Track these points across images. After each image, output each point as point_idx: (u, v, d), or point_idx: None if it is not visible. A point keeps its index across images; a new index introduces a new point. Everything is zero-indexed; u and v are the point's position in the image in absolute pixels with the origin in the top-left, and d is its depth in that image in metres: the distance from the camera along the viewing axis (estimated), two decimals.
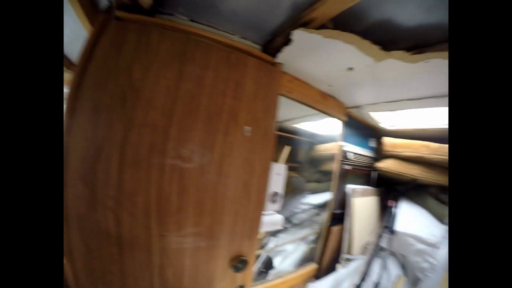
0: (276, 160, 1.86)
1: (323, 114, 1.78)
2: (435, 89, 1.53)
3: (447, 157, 2.20)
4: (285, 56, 1.19)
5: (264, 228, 1.36)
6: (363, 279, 1.69)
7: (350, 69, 1.30)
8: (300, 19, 0.98)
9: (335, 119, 1.92)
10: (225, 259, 1.09)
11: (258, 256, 1.96)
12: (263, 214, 1.16)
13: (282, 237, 2.11)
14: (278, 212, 1.40)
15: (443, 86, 1.47)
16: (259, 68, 1.10)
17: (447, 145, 2.23)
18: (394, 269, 2.01)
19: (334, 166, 1.99)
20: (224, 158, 0.97)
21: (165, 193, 0.94)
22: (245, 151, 1.03)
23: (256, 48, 1.16)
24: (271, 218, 1.36)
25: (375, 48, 1.10)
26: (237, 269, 1.13)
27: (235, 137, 1.00)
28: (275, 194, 1.25)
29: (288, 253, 2.05)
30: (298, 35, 1.03)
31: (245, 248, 1.13)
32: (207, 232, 1.00)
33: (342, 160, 2.01)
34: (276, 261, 1.99)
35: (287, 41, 1.08)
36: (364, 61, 1.18)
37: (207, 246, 1.02)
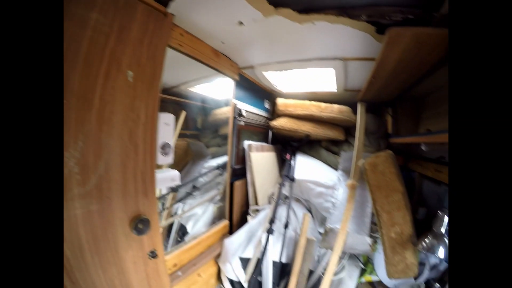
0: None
1: (216, 73, 1.79)
2: (322, 52, 1.68)
3: (334, 115, 2.50)
4: (177, 7, 1.13)
5: (161, 184, 1.32)
6: (272, 222, 1.82)
7: (241, 23, 1.32)
8: None
9: (229, 79, 1.95)
10: (123, 221, 1.01)
11: (171, 226, 1.94)
12: (156, 169, 1.12)
13: (190, 202, 2.12)
14: (171, 165, 1.38)
15: (329, 49, 1.63)
16: (148, 15, 1.01)
17: (334, 104, 2.53)
18: (300, 211, 2.25)
19: (229, 122, 2.05)
20: (105, 105, 0.87)
21: None
22: (128, 97, 0.94)
23: None
24: (167, 173, 1.32)
25: (264, 2, 1.13)
26: (139, 231, 1.06)
27: (117, 82, 0.90)
28: (166, 145, 1.20)
29: (199, 216, 2.07)
30: None
31: (143, 207, 1.06)
32: (96, 192, 0.90)
33: (235, 117, 2.08)
34: (189, 227, 2.00)
35: None
36: (253, 14, 1.21)
37: (100, 209, 0.92)
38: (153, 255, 1.17)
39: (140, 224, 1.06)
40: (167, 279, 1.30)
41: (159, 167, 1.35)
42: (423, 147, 1.73)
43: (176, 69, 1.67)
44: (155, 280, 1.21)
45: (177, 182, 1.37)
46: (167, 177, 1.32)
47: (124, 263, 1.04)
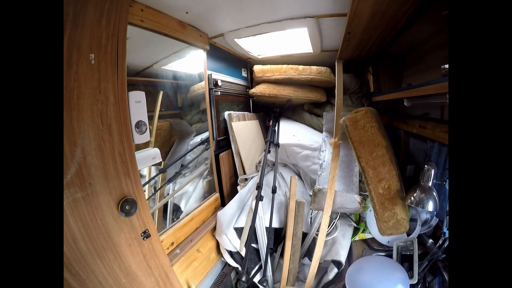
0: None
1: (186, 46, 1.73)
2: (293, 11, 1.63)
3: (313, 76, 2.48)
4: None
5: (143, 163, 1.30)
6: (260, 188, 1.84)
7: None
8: None
9: (200, 50, 1.90)
10: (110, 205, 0.99)
11: (166, 207, 1.93)
12: (134, 148, 1.10)
13: (180, 181, 2.12)
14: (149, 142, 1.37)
15: (300, 7, 1.58)
16: None
17: (312, 66, 2.49)
18: (288, 175, 2.28)
19: (205, 94, 2.02)
20: (71, 91, 0.84)
21: None
22: (94, 80, 0.90)
23: None
24: (147, 152, 1.31)
25: None
26: (127, 212, 1.06)
27: (80, 67, 0.86)
28: (140, 123, 1.17)
29: (190, 193, 2.08)
30: None
31: (127, 188, 1.05)
32: (77, 179, 0.89)
33: (211, 88, 2.05)
34: (182, 205, 2.01)
35: None
36: None
37: (84, 196, 0.91)
38: (146, 235, 1.17)
39: (126, 205, 1.05)
40: (166, 258, 1.30)
41: (140, 147, 1.33)
42: (405, 103, 1.73)
43: (145, 48, 1.61)
44: (154, 261, 1.21)
45: (158, 159, 1.36)
46: (147, 156, 1.30)
47: (119, 248, 1.03)
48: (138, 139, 1.17)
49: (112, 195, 1.01)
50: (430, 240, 1.73)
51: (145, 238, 1.16)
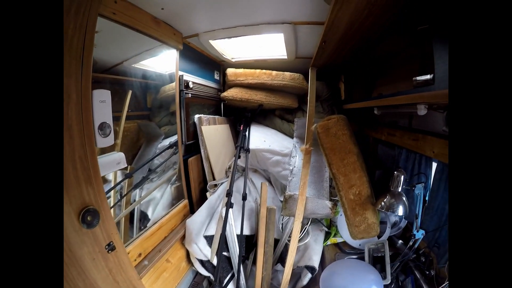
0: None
1: (159, 45, 1.65)
2: (270, 16, 1.61)
3: (286, 82, 2.48)
4: None
5: (106, 169, 1.20)
6: (230, 195, 1.79)
7: None
8: None
9: (173, 49, 1.82)
10: (70, 216, 0.88)
11: (131, 215, 1.81)
12: (100, 154, 1.01)
13: (147, 187, 2.00)
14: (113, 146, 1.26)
15: (278, 13, 1.56)
16: None
17: (286, 72, 2.49)
18: (259, 181, 2.24)
19: (176, 96, 1.95)
20: None
21: None
22: None
23: None
24: (111, 157, 1.21)
25: None
26: (89, 224, 0.95)
27: None
28: (104, 125, 1.07)
29: (158, 200, 1.98)
30: None
31: (89, 197, 0.95)
32: None
33: (182, 90, 1.97)
34: (150, 212, 1.90)
35: None
36: None
37: None
38: (111, 247, 1.08)
39: (88, 216, 0.95)
40: (133, 271, 1.22)
41: (103, 151, 1.23)
42: (376, 111, 1.77)
43: (115, 43, 1.51)
44: (120, 275, 1.14)
45: (123, 164, 1.26)
46: (111, 161, 1.21)
47: (82, 262, 0.94)
48: (102, 142, 1.07)
49: (72, 205, 0.90)
50: (400, 241, 1.79)
51: (110, 251, 1.07)
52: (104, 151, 1.26)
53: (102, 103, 1.05)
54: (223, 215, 1.72)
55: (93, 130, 1.00)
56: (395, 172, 1.54)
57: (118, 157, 1.24)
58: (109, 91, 1.09)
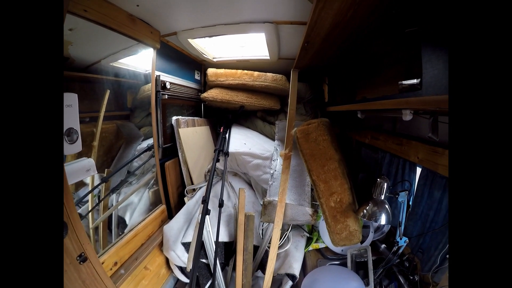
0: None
1: (136, 43, 1.58)
2: (252, 14, 1.56)
3: (268, 83, 2.44)
4: None
5: (75, 177, 1.13)
6: (206, 202, 1.72)
7: None
8: None
9: (150, 48, 1.75)
10: None
11: (109, 219, 1.76)
12: (67, 161, 0.94)
13: (124, 191, 1.92)
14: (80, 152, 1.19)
15: (259, 11, 1.52)
16: None
17: (268, 73, 2.46)
18: (238, 186, 2.19)
19: (152, 97, 1.88)
20: None
21: None
22: None
23: None
24: (79, 164, 1.14)
25: None
26: None
27: None
28: (71, 131, 1.00)
29: (135, 204, 1.90)
30: None
31: None
32: None
33: (158, 91, 1.90)
34: (127, 218, 1.82)
35: None
36: None
37: None
38: (82, 258, 1.04)
39: None
40: (109, 281, 1.19)
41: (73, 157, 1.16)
42: (359, 115, 1.74)
43: (91, 41, 1.44)
44: (95, 286, 1.11)
45: (93, 171, 1.20)
46: (79, 168, 1.14)
47: None
48: (69, 149, 1.01)
49: None
50: (383, 245, 1.78)
51: (81, 262, 1.03)
52: (74, 156, 1.19)
53: (68, 108, 0.99)
54: (200, 221, 1.67)
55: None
56: (378, 180, 1.49)
57: (88, 164, 1.17)
58: (76, 94, 1.02)
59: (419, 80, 0.96)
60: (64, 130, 0.98)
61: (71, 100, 1.00)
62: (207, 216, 1.68)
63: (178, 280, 1.82)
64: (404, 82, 1.06)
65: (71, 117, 1.00)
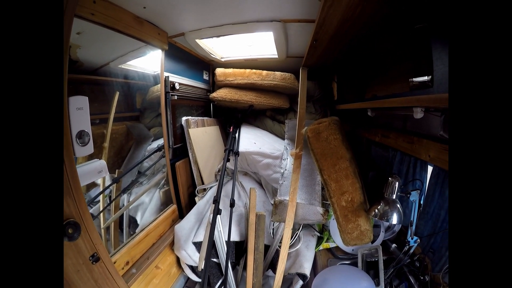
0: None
1: (144, 45, 1.59)
2: (259, 13, 1.56)
3: (276, 82, 2.42)
4: None
5: (87, 179, 1.14)
6: (217, 202, 1.73)
7: None
8: None
9: (158, 50, 1.77)
10: None
11: (120, 219, 1.77)
12: (79, 163, 0.96)
13: (135, 191, 1.94)
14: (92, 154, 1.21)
15: (267, 10, 1.51)
16: None
17: (276, 72, 2.44)
18: (249, 185, 2.19)
19: (161, 98, 1.89)
20: None
21: None
22: None
23: None
24: (91, 166, 1.15)
25: None
26: (70, 237, 0.91)
27: None
28: (82, 133, 1.01)
29: (146, 204, 1.92)
30: None
31: (69, 209, 0.90)
32: None
33: (167, 92, 1.91)
34: (138, 218, 1.85)
35: None
36: None
37: None
38: (95, 258, 1.05)
39: (69, 229, 0.91)
40: (121, 280, 1.20)
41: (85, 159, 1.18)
42: (369, 113, 1.71)
43: (100, 44, 1.44)
44: (107, 285, 1.12)
45: (105, 173, 1.21)
46: (91, 170, 1.15)
47: (66, 275, 0.92)
48: (80, 151, 1.02)
49: None
50: (394, 245, 1.74)
51: (94, 262, 1.04)
52: (86, 159, 1.20)
53: (79, 111, 1.00)
54: (211, 221, 1.68)
55: (70, 139, 0.95)
56: (389, 179, 1.47)
57: (100, 166, 1.18)
58: (87, 97, 1.04)
59: (430, 77, 0.94)
60: (76, 132, 0.99)
61: (82, 103, 1.01)
62: (218, 216, 1.69)
63: (188, 279, 1.83)
64: (415, 79, 1.03)
65: (82, 119, 1.02)
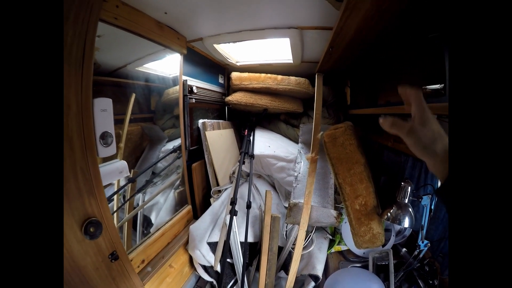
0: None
1: (163, 49, 1.64)
2: (277, 20, 1.58)
3: (291, 87, 2.44)
4: None
5: (109, 179, 1.18)
6: (234, 203, 1.77)
7: None
8: None
9: (177, 53, 1.81)
10: (73, 227, 0.87)
11: (135, 219, 1.81)
12: (101, 162, 0.99)
13: (150, 191, 1.99)
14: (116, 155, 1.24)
15: (284, 17, 1.53)
16: None
17: (291, 76, 2.46)
18: (263, 188, 2.21)
19: (179, 101, 1.93)
20: None
21: None
22: None
23: None
24: (112, 166, 1.18)
25: None
26: (92, 235, 0.94)
27: None
28: (106, 134, 1.04)
29: (161, 204, 1.97)
30: None
31: (91, 208, 0.93)
32: None
33: (186, 95, 1.95)
34: (153, 217, 1.89)
35: None
36: None
37: None
38: (114, 257, 1.07)
39: (91, 228, 0.94)
40: (136, 278, 1.22)
41: (106, 159, 1.21)
42: (381, 119, 1.71)
43: (118, 47, 1.49)
44: (124, 283, 1.14)
45: (126, 173, 1.24)
46: (113, 170, 1.18)
47: (85, 272, 0.94)
48: (103, 152, 1.05)
49: (74, 216, 0.89)
50: (404, 249, 1.76)
51: (113, 260, 1.07)
52: (105, 159, 1.24)
53: (103, 112, 1.03)
54: (227, 222, 1.71)
55: (94, 140, 0.98)
56: (402, 183, 1.49)
57: (121, 166, 1.21)
58: (111, 100, 1.07)
59: (442, 85, 0.95)
60: (100, 133, 1.02)
61: (105, 105, 1.05)
62: (234, 217, 1.72)
63: (199, 278, 1.86)
64: (428, 87, 1.04)
65: (106, 121, 1.05)
